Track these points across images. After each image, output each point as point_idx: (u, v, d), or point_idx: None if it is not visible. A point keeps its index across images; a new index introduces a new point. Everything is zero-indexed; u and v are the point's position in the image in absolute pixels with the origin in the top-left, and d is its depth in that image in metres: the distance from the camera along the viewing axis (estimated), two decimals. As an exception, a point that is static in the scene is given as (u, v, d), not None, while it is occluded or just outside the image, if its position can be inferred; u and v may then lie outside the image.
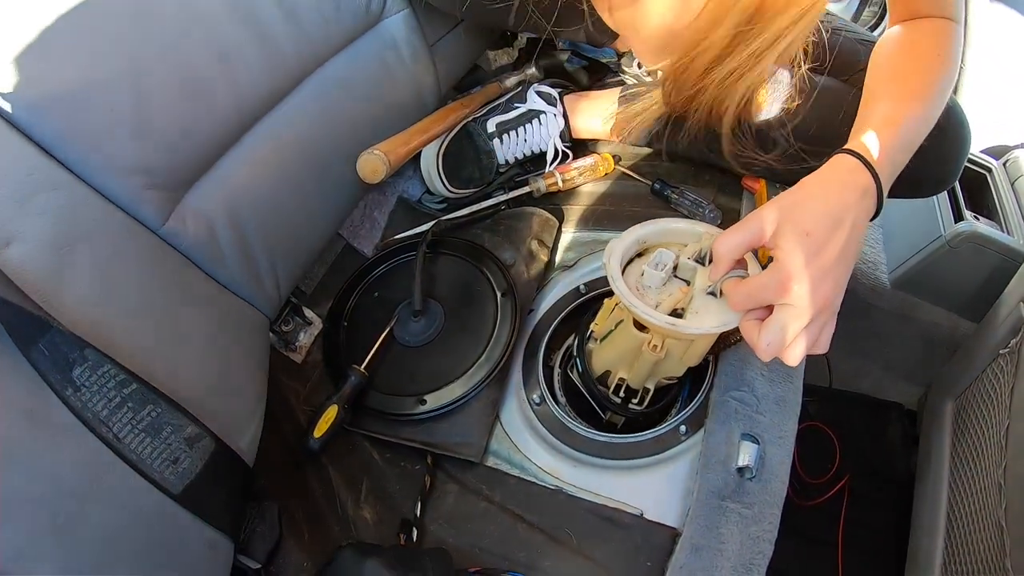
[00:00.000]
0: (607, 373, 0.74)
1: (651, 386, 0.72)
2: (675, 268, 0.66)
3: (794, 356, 0.54)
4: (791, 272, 0.52)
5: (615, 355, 0.72)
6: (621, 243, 0.67)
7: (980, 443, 0.90)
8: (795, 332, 0.52)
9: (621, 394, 0.74)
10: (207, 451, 0.57)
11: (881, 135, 0.58)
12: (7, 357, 0.45)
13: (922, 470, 1.05)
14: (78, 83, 0.55)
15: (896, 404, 1.27)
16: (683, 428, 0.74)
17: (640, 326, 0.65)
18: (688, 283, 0.65)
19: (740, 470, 0.68)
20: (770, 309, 0.54)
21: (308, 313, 0.87)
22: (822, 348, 0.55)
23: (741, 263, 0.61)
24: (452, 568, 0.60)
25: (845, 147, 0.58)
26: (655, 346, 0.64)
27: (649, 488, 0.71)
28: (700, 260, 0.65)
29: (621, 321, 0.69)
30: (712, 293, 0.62)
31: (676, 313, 0.63)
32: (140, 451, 0.51)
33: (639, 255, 0.70)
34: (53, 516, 0.45)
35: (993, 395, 0.90)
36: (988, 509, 0.82)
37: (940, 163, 0.79)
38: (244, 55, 0.68)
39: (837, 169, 0.56)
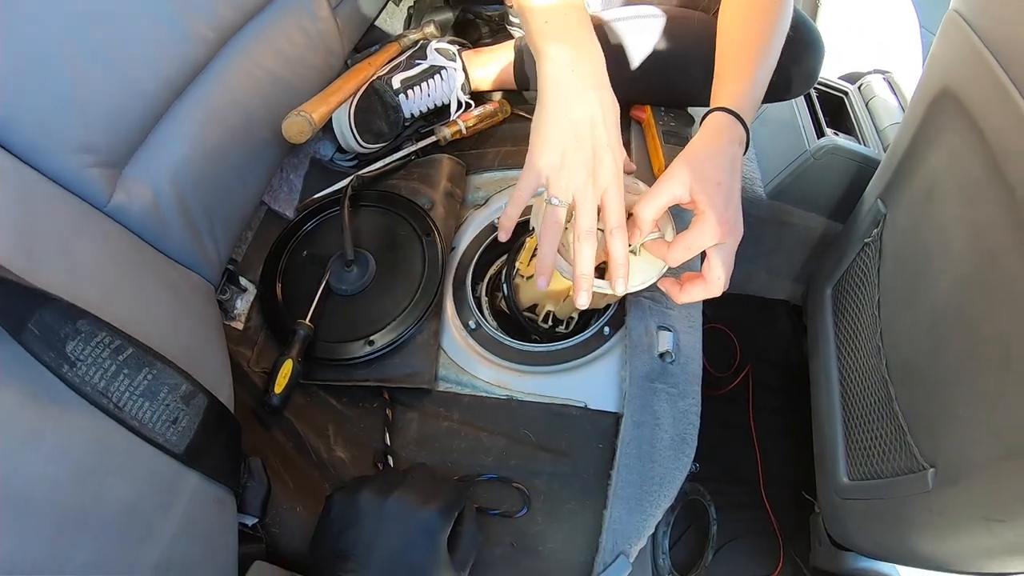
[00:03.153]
0: (535, 305, 0.86)
1: (576, 315, 0.85)
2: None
3: (727, 282, 0.69)
4: (720, 218, 0.65)
5: (543, 293, 0.84)
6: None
7: (858, 318, 1.10)
8: (730, 264, 0.68)
9: (549, 322, 0.86)
10: (201, 407, 0.61)
11: (742, 89, 0.74)
12: (2, 345, 0.45)
13: (812, 350, 1.27)
14: (16, 68, 0.57)
15: (783, 301, 1.50)
16: (606, 329, 0.88)
17: None
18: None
19: (662, 355, 0.84)
20: None
21: (242, 280, 0.93)
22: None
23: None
24: (435, 476, 0.69)
25: (719, 106, 0.72)
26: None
27: (587, 383, 0.85)
28: None
29: None
30: (632, 251, 0.71)
31: (600, 267, 0.73)
32: (141, 416, 0.54)
33: None
34: (77, 496, 0.47)
35: (863, 277, 1.11)
36: (872, 368, 1.03)
37: (801, 67, 0.99)
38: (168, 25, 0.71)
39: (720, 127, 0.71)
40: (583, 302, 0.67)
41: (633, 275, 0.70)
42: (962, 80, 0.88)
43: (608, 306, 0.90)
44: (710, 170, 0.66)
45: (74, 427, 0.49)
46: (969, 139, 0.85)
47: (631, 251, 0.69)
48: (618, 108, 0.67)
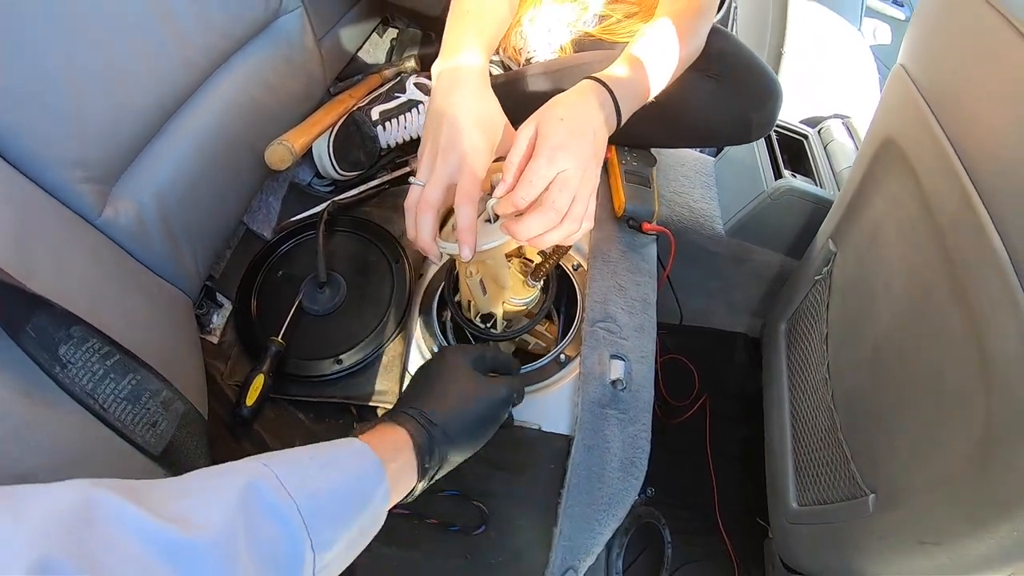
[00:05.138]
0: (470, 304, 0.93)
1: (497, 312, 0.91)
2: None
3: (591, 213, 0.72)
4: (555, 143, 0.68)
5: (464, 287, 0.90)
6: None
7: (808, 351, 1.19)
8: (575, 190, 0.68)
9: (477, 319, 0.93)
10: (178, 413, 0.67)
11: (624, 74, 0.82)
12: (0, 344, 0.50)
13: (766, 381, 1.35)
14: (19, 82, 0.62)
15: (741, 334, 1.58)
16: (562, 357, 0.95)
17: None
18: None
19: (613, 383, 0.91)
20: None
21: (219, 296, 0.99)
22: (592, 221, 0.73)
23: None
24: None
25: (590, 75, 0.79)
26: (469, 272, 0.82)
27: (542, 407, 0.92)
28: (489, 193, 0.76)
29: None
30: (489, 220, 0.75)
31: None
32: (123, 418, 0.59)
33: None
34: None
35: (814, 313, 1.19)
36: (820, 399, 1.12)
37: (761, 114, 1.07)
38: (163, 51, 0.78)
39: (582, 86, 0.77)
40: (432, 260, 0.76)
41: (485, 238, 0.73)
42: (903, 130, 0.97)
43: (561, 324, 0.98)
44: (556, 110, 0.72)
45: (62, 423, 0.54)
46: (908, 185, 0.94)
47: (488, 220, 0.75)
48: (484, 104, 0.75)
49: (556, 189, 0.67)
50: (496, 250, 0.75)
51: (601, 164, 0.72)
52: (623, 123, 0.80)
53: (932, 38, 0.93)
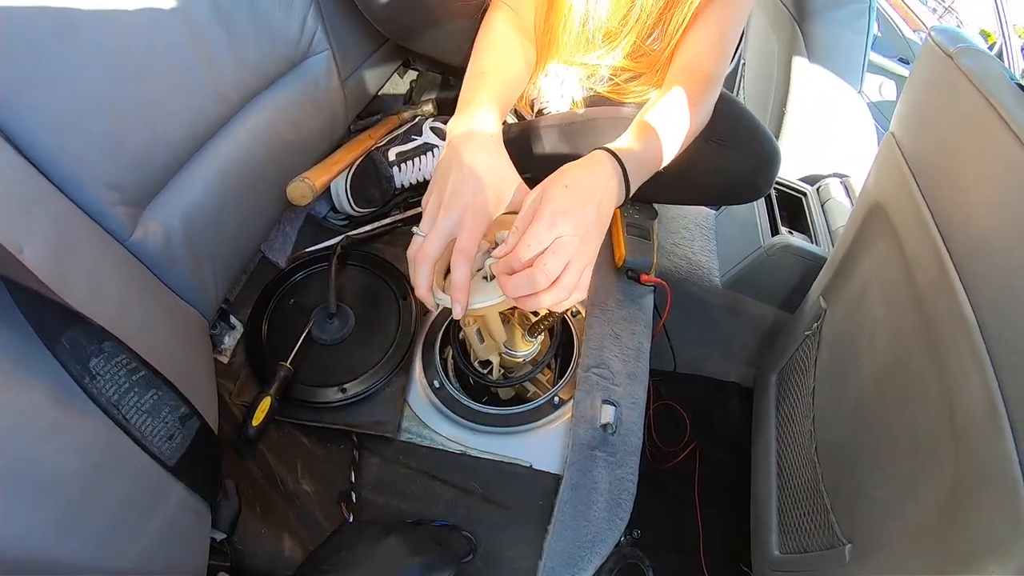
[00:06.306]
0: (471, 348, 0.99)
1: (494, 360, 0.97)
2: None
3: (583, 284, 0.72)
4: (556, 208, 0.70)
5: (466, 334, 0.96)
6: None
7: (795, 403, 1.24)
8: (569, 256, 0.69)
9: (476, 364, 0.99)
10: (194, 428, 0.72)
11: (633, 144, 0.84)
12: (36, 352, 0.54)
13: (755, 431, 1.40)
14: (64, 107, 0.67)
15: (735, 383, 1.63)
16: (556, 399, 1.01)
17: None
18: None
19: (603, 426, 0.96)
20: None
21: (232, 318, 1.05)
22: (584, 291, 0.73)
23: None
24: (434, 540, 0.82)
25: (601, 146, 0.81)
26: (467, 322, 0.87)
27: (534, 446, 0.97)
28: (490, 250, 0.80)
29: None
30: (486, 278, 0.78)
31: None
32: (143, 429, 0.64)
33: None
34: (82, 488, 0.56)
35: (803, 366, 1.24)
36: (804, 450, 1.16)
37: (761, 177, 1.11)
38: (198, 85, 0.83)
39: (593, 156, 0.79)
40: (430, 309, 0.78)
41: (479, 296, 0.77)
42: (890, 195, 1.02)
43: (557, 369, 1.03)
44: (563, 177, 0.73)
45: (87, 430, 0.58)
46: (893, 248, 0.99)
47: (484, 277, 0.79)
48: (495, 160, 0.78)
49: (550, 253, 0.69)
50: (490, 308, 0.78)
51: (603, 236, 0.74)
52: (632, 194, 0.82)
53: (920, 110, 0.99)
